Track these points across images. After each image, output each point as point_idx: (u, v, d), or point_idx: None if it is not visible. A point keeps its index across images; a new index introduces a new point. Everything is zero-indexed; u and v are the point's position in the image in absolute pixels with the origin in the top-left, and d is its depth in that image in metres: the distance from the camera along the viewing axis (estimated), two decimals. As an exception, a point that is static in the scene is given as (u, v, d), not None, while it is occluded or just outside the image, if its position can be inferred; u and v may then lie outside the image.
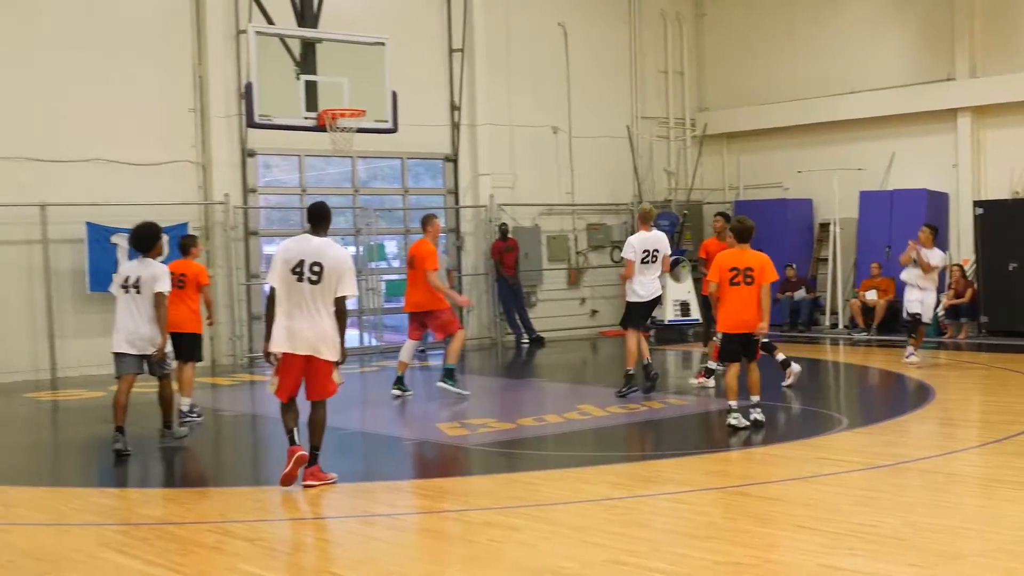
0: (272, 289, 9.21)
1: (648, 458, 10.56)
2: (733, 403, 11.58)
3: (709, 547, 7.26)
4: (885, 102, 22.41)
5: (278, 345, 9.14)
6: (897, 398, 14.63)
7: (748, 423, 11.52)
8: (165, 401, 11.51)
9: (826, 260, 22.65)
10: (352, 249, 20.80)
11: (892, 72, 22.46)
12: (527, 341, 21.56)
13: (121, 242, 17.66)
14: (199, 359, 13.14)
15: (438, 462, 11.06)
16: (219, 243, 18.98)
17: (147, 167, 18.42)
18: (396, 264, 22.00)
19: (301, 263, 9.08)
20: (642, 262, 13.76)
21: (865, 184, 22.39)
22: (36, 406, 15.25)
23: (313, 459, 9.23)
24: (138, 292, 11.06)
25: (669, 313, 21.90)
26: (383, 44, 16.88)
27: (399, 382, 14.40)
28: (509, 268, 21.42)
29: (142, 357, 11.17)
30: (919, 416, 12.47)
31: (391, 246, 22.09)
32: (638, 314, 14.00)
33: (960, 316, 20.20)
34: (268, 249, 20.03)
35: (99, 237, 17.56)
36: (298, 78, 16.39)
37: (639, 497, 8.81)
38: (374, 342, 20.78)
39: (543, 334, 21.69)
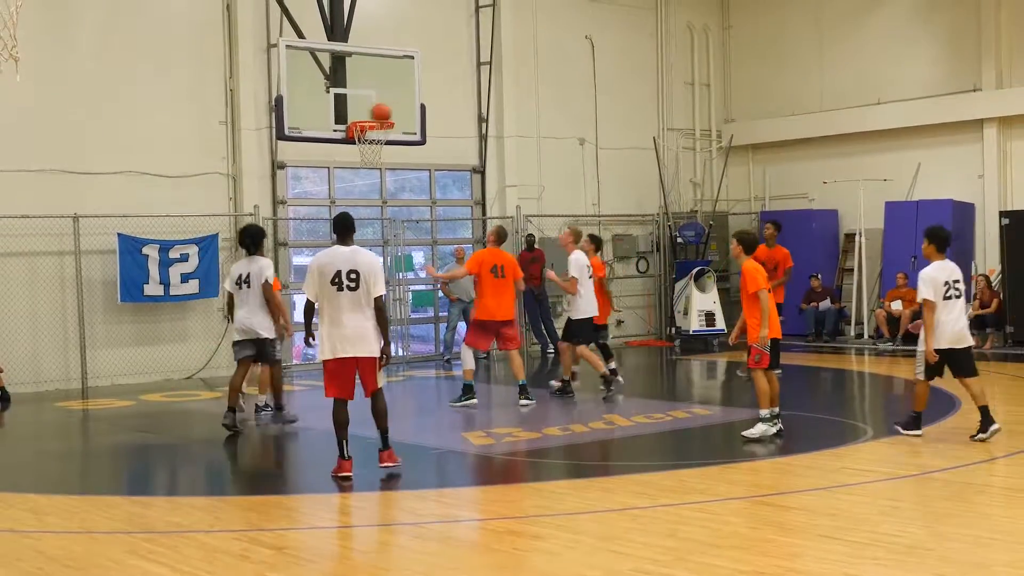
0: (308, 301, 9.94)
1: (672, 467, 10.59)
2: (776, 408, 11.77)
3: (733, 556, 7.30)
4: (911, 113, 22.39)
5: (327, 354, 9.83)
6: (923, 409, 14.58)
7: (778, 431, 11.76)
8: (275, 385, 13.06)
9: (851, 270, 22.62)
10: (380, 260, 20.86)
11: (918, 83, 22.44)
12: (553, 351, 21.58)
13: (153, 253, 17.87)
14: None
15: (464, 471, 11.14)
16: (248, 254, 19.11)
17: (178, 179, 18.58)
18: (423, 275, 22.09)
19: (338, 273, 9.76)
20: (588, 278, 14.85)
21: (891, 195, 22.35)
22: (66, 415, 15.39)
23: (385, 442, 9.97)
24: (248, 286, 12.69)
25: (694, 323, 21.92)
26: (412, 57, 16.93)
27: (470, 391, 14.54)
28: (535, 279, 21.46)
29: (255, 342, 12.80)
30: (944, 426, 12.45)
31: (418, 257, 22.19)
32: (591, 329, 15.00)
33: (986, 326, 20.15)
34: (297, 260, 20.16)
35: (130, 248, 17.71)
36: (328, 91, 16.45)
37: (663, 506, 8.86)
38: (401, 352, 20.86)
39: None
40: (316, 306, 10.05)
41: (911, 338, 20.69)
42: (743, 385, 12.97)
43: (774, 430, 11.60)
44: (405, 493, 9.61)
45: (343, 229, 10.04)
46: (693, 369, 19.84)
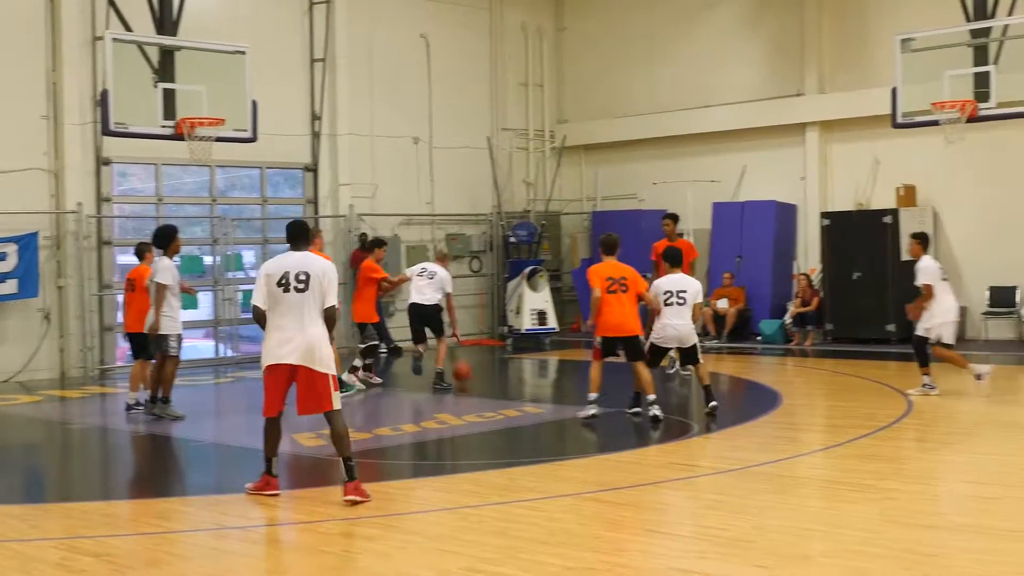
0: (256, 308, 9.15)
1: (503, 466, 10.63)
2: (596, 395, 12.56)
3: (562, 553, 7.36)
4: (737, 116, 22.98)
5: (266, 359, 9.09)
6: (745, 404, 14.99)
7: (595, 415, 12.56)
8: (165, 378, 13.35)
9: (680, 269, 23.05)
10: (209, 259, 20.52)
11: (744, 87, 23.03)
12: (385, 351, 21.46)
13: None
14: (150, 357, 13.75)
15: (293, 473, 10.95)
16: (71, 253, 18.52)
17: (-4, 175, 17.93)
18: (254, 274, 21.71)
19: (286, 275, 9.07)
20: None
21: (718, 195, 22.92)
22: None
23: (350, 472, 8.97)
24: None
25: (526, 322, 22.10)
26: (243, 53, 16.76)
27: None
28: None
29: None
30: (766, 421, 12.81)
31: (248, 256, 21.81)
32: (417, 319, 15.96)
33: (807, 324, 20.79)
34: (122, 259, 19.60)
35: (-54, 245, 17.04)
36: (156, 86, 16.19)
37: (494, 505, 8.89)
38: (230, 353, 20.54)
39: (400, 344, 21.67)
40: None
41: (736, 335, 21.31)
42: (573, 383, 13.20)
43: (592, 410, 12.53)
44: (233, 496, 9.41)
45: (296, 236, 9.36)
46: (525, 368, 20.00)
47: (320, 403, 9.05)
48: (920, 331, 14.10)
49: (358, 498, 8.81)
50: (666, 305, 12.79)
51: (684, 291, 12.87)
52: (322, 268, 9.19)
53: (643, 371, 12.55)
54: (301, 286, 9.02)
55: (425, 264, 16.55)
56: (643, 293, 12.72)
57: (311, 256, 9.32)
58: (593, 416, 12.57)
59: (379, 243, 16.59)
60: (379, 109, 22.61)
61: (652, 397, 12.45)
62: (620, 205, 24.48)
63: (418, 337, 15.93)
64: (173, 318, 13.29)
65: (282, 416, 9.26)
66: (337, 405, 9.11)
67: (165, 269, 13.19)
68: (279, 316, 9.03)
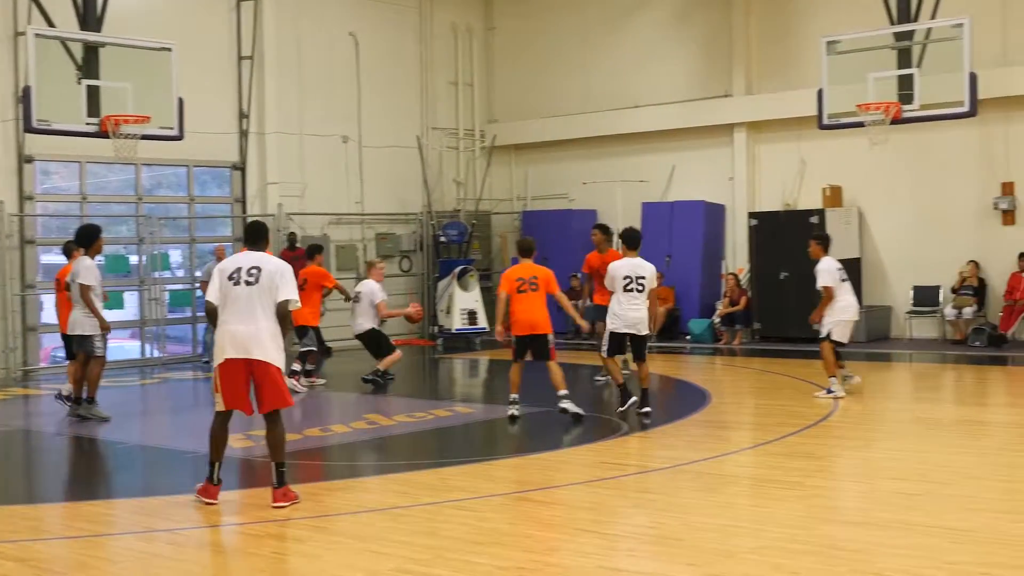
0: (207, 303, 8.98)
1: (434, 466, 10.62)
2: (515, 395, 12.75)
3: (493, 553, 7.37)
4: (666, 116, 23.12)
5: (217, 356, 8.88)
6: (674, 403, 15.07)
7: (518, 415, 12.69)
8: (91, 378, 13.30)
9: (610, 270, 23.16)
10: (135, 259, 20.26)
11: (673, 88, 23.18)
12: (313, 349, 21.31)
13: None
14: (74, 356, 13.67)
15: (222, 474, 10.88)
16: (-8, 252, 18.24)
17: (-86, 172, 17.58)
18: (181, 274, 21.53)
19: (238, 270, 8.91)
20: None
21: (647, 195, 23.05)
22: None
23: (280, 478, 8.81)
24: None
25: (456, 322, 22.09)
26: (169, 50, 16.63)
27: None
28: (296, 278, 21.17)
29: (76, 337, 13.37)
30: (695, 420, 12.93)
31: (175, 255, 21.58)
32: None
33: (735, 323, 20.98)
34: (45, 258, 19.31)
35: None
36: (80, 82, 15.99)
37: (424, 505, 8.88)
38: (156, 353, 20.30)
39: (330, 344, 21.52)
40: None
41: (666, 334, 21.45)
42: (504, 383, 13.23)
43: (512, 410, 12.70)
44: (160, 499, 9.31)
45: (254, 235, 9.24)
46: (455, 367, 19.98)
47: (281, 397, 8.90)
48: (823, 334, 14.18)
49: (286, 504, 8.75)
50: (625, 291, 12.66)
51: (643, 277, 12.71)
52: (276, 265, 9.04)
53: (555, 368, 12.67)
54: (251, 279, 8.87)
55: (358, 286, 16.81)
56: (556, 293, 12.80)
57: (267, 255, 9.20)
58: (514, 416, 12.66)
59: (319, 249, 16.64)
60: (307, 107, 22.47)
61: (564, 392, 12.59)
62: (550, 205, 24.57)
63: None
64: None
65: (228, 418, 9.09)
66: (292, 401, 9.05)
67: (87, 269, 13.04)
68: (228, 312, 8.89)
